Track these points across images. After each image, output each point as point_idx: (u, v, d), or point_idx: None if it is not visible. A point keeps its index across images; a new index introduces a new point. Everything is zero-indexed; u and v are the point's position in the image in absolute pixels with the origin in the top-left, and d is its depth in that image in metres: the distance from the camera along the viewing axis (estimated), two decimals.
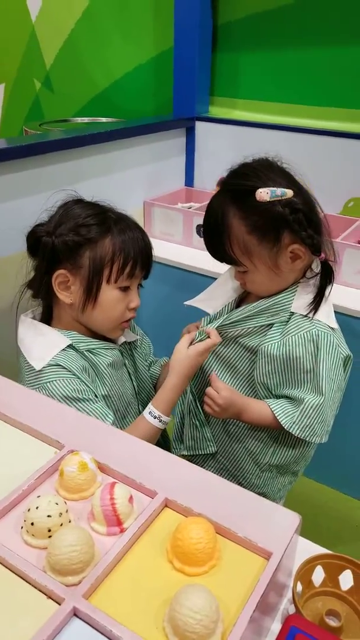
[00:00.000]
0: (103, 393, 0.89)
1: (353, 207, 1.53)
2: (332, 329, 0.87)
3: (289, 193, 0.80)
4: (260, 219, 0.81)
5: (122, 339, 0.97)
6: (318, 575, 0.56)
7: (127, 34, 1.86)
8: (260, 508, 0.53)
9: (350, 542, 1.41)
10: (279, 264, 0.84)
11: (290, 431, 0.87)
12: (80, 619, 0.42)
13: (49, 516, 0.47)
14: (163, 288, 1.58)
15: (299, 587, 0.54)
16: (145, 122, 1.66)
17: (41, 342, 0.87)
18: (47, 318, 0.93)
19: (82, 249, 0.85)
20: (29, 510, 0.48)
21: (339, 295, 1.30)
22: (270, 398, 0.91)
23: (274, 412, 0.87)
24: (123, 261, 0.86)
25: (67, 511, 0.49)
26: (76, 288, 0.86)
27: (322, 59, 1.53)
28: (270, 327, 0.89)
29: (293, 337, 0.85)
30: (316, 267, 0.88)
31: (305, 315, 0.86)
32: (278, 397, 0.90)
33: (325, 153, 1.53)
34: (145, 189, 1.66)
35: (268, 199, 0.79)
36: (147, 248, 0.90)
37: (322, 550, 0.59)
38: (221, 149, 1.72)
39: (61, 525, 0.48)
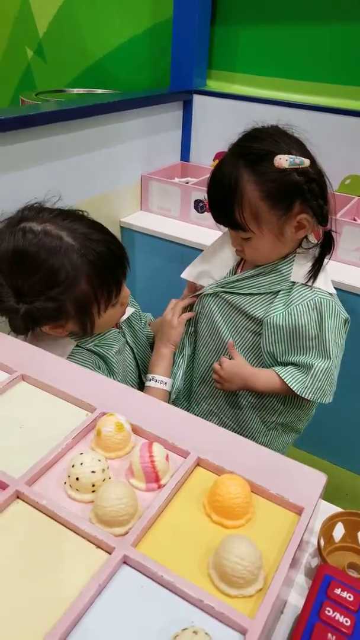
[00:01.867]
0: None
1: (350, 185, 1.55)
2: (331, 294, 0.91)
3: (307, 162, 0.80)
4: (275, 186, 0.80)
5: (122, 318, 0.97)
6: (338, 532, 0.59)
7: (124, 2, 1.82)
8: (287, 467, 0.56)
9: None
10: (284, 233, 0.85)
11: (303, 396, 0.90)
12: (130, 566, 0.45)
13: (93, 472, 0.49)
14: (161, 263, 1.59)
15: (322, 542, 0.57)
16: (143, 94, 1.64)
17: (47, 350, 0.84)
18: None
19: (63, 307, 0.78)
20: (73, 466, 0.50)
21: (336, 272, 1.34)
22: (277, 366, 0.94)
23: (284, 379, 0.90)
24: (107, 293, 0.80)
25: (108, 468, 0.51)
26: (70, 326, 0.82)
27: (322, 35, 1.52)
28: (274, 298, 0.91)
29: (297, 306, 0.88)
30: (312, 238, 0.90)
31: (305, 284, 0.89)
32: (284, 364, 0.93)
33: (323, 129, 1.54)
34: (141, 163, 1.65)
35: (287, 166, 0.78)
36: (118, 255, 0.82)
37: (337, 509, 0.63)
38: (218, 123, 1.72)
39: (103, 480, 0.50)
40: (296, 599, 0.52)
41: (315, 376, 0.90)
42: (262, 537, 0.48)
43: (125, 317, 0.97)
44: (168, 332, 0.99)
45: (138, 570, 0.44)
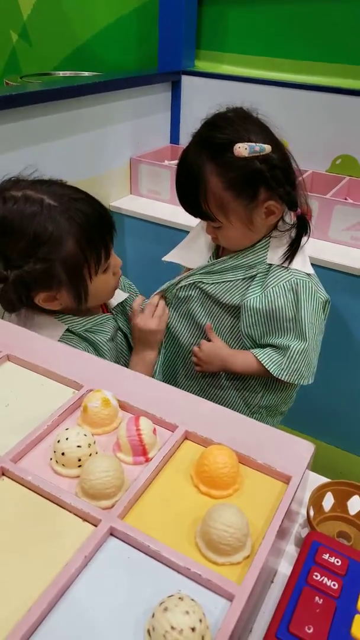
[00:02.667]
0: None
1: (341, 164, 1.54)
2: (309, 275, 0.90)
3: (268, 148, 0.79)
4: (237, 175, 0.80)
5: (114, 303, 0.96)
6: (328, 501, 0.60)
7: None
8: (275, 437, 0.56)
9: None
10: (253, 220, 0.84)
11: (279, 377, 0.90)
12: (117, 537, 0.44)
13: (78, 446, 0.49)
14: (152, 246, 1.58)
15: (311, 512, 0.57)
16: (130, 75, 1.62)
17: (38, 333, 0.85)
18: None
19: (52, 269, 0.77)
20: (58, 441, 0.49)
21: (327, 251, 1.34)
22: (256, 348, 0.94)
23: (261, 361, 0.90)
24: (95, 255, 0.79)
25: (94, 442, 0.51)
26: (63, 296, 0.81)
27: (311, 13, 1.50)
28: (251, 282, 0.90)
29: (273, 288, 0.88)
30: (289, 219, 0.89)
31: (281, 265, 0.88)
32: (263, 346, 0.93)
33: (313, 109, 1.53)
34: (130, 146, 1.63)
35: (246, 155, 0.77)
36: (104, 216, 0.81)
37: (326, 480, 0.63)
38: (208, 104, 1.67)
39: (90, 455, 0.50)
40: (286, 568, 0.52)
41: (291, 357, 0.89)
42: (250, 506, 0.48)
43: (117, 301, 0.96)
44: (154, 337, 0.95)
45: (125, 542, 0.44)
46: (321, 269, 1.28)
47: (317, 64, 1.55)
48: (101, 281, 0.83)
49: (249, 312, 0.90)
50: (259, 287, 0.89)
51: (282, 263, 0.88)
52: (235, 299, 0.91)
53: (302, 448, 0.54)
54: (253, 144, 0.77)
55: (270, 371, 0.90)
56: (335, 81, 1.52)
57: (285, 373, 0.90)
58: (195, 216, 0.88)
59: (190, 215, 0.89)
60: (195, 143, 0.83)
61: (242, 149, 0.77)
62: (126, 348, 1.00)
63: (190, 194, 0.85)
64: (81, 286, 0.80)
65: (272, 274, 0.88)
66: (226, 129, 0.80)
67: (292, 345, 0.89)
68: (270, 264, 0.89)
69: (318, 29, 1.51)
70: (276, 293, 0.87)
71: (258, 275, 0.90)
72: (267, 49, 1.62)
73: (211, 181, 0.81)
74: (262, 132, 0.81)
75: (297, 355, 0.89)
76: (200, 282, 0.94)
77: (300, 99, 1.55)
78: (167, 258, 1.02)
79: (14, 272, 0.75)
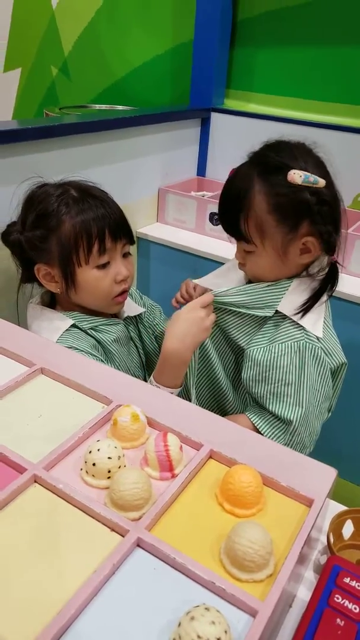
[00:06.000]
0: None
1: None
2: (318, 338, 0.85)
3: (322, 183, 0.77)
4: (284, 201, 0.77)
5: (124, 313, 0.97)
6: (347, 529, 0.60)
7: (147, 24, 1.88)
8: (297, 461, 0.57)
9: None
10: (288, 253, 0.81)
11: None
12: (143, 549, 0.46)
13: (109, 458, 0.50)
14: (175, 272, 1.61)
15: (331, 538, 0.58)
16: (163, 110, 1.69)
17: (46, 327, 0.89)
18: (51, 302, 0.96)
19: (48, 240, 0.86)
20: (90, 452, 0.51)
21: (347, 284, 1.36)
22: (254, 404, 0.90)
23: (263, 433, 0.86)
24: (87, 242, 0.85)
25: (123, 455, 0.53)
26: (58, 276, 0.88)
27: (336, 56, 1.57)
28: (259, 329, 0.87)
29: (280, 345, 0.84)
30: (318, 265, 0.86)
31: (294, 322, 0.84)
32: (262, 406, 0.89)
33: (337, 148, 1.55)
34: (159, 177, 1.69)
35: (299, 182, 0.76)
36: (112, 218, 0.87)
37: (347, 508, 0.63)
38: (235, 140, 1.75)
39: (119, 467, 0.51)
40: (305, 594, 0.52)
41: (295, 431, 0.85)
42: (272, 527, 0.49)
43: (128, 313, 0.97)
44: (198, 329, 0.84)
45: (151, 553, 0.45)
46: (342, 301, 1.30)
47: (341, 106, 1.61)
48: (92, 276, 0.87)
49: (250, 363, 0.86)
50: (266, 338, 0.85)
51: (294, 314, 0.83)
52: (241, 338, 0.88)
53: (325, 472, 0.55)
54: (308, 174, 0.76)
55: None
56: (358, 122, 1.57)
57: (289, 447, 0.87)
58: (231, 234, 0.85)
59: (227, 232, 0.86)
60: (251, 161, 0.82)
61: (297, 175, 0.75)
62: (137, 361, 1.00)
63: (232, 209, 0.82)
64: (68, 268, 0.86)
65: (282, 328, 0.85)
66: (284, 153, 0.79)
67: (294, 419, 0.84)
68: (278, 311, 0.84)
69: (342, 72, 1.57)
70: (281, 351, 0.83)
71: (268, 323, 0.86)
72: (294, 90, 1.69)
73: (256, 200, 0.79)
74: (320, 167, 0.80)
75: (300, 427, 0.85)
76: (215, 307, 0.88)
77: (324, 137, 1.56)
78: (199, 282, 1.00)
79: (18, 235, 0.88)
